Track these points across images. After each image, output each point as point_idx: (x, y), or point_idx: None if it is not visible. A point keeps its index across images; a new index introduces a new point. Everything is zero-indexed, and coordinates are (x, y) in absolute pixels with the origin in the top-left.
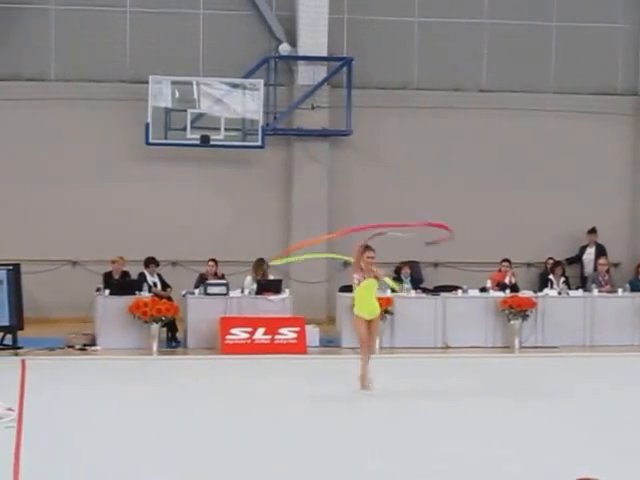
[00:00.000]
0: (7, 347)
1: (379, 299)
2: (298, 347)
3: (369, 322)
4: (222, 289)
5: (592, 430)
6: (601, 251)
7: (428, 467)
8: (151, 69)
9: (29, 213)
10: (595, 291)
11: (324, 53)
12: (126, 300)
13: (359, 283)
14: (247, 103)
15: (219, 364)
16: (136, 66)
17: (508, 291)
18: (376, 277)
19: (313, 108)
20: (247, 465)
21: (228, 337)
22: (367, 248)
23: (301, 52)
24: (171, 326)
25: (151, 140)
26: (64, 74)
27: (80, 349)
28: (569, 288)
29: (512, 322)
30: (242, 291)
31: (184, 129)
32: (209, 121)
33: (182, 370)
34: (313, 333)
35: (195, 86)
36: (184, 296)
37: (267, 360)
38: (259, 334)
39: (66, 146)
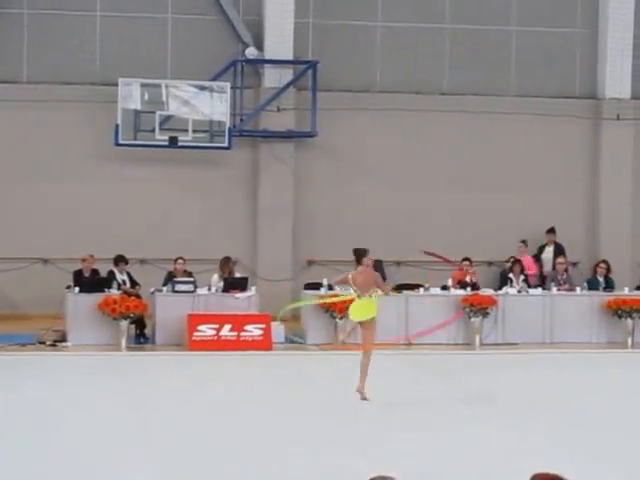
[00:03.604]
0: None
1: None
2: (264, 343)
3: (362, 326)
4: (189, 287)
5: (551, 426)
6: (560, 250)
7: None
8: (121, 72)
9: (0, 212)
10: (554, 289)
11: (290, 57)
12: (96, 297)
13: (358, 295)
14: (214, 105)
15: (186, 360)
16: (106, 69)
17: (469, 289)
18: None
19: (279, 110)
20: (220, 460)
21: (195, 334)
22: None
23: (267, 56)
24: (140, 323)
25: (121, 141)
26: (36, 76)
27: (51, 345)
28: (528, 286)
29: (473, 320)
30: (209, 289)
31: (153, 130)
32: (177, 123)
33: (150, 366)
34: (278, 330)
35: (164, 88)
36: (152, 293)
37: (233, 356)
38: (225, 331)
39: (37, 147)
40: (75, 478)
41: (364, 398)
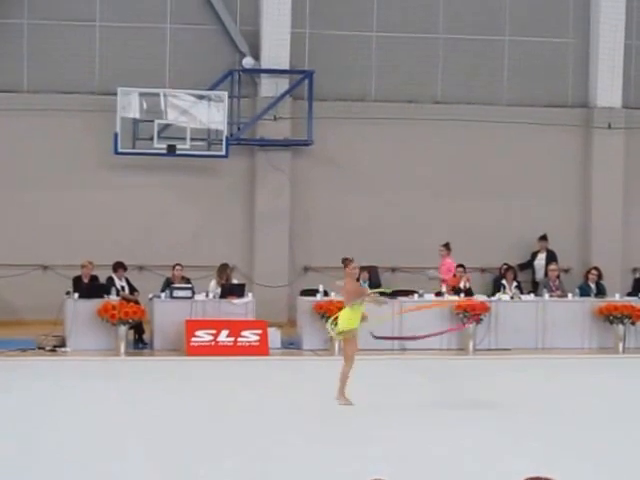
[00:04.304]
0: None
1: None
2: (260, 349)
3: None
4: (187, 293)
5: (543, 429)
6: (552, 257)
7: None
8: (120, 81)
9: (0, 219)
10: (546, 296)
11: (286, 66)
12: (95, 303)
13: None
14: (212, 114)
15: (184, 365)
16: (105, 78)
17: (462, 295)
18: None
19: (275, 119)
20: (218, 464)
21: (193, 339)
22: (350, 261)
23: (264, 65)
24: (138, 328)
25: (120, 149)
26: (36, 86)
27: (50, 350)
28: (521, 293)
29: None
30: (207, 295)
31: (151, 139)
32: (175, 131)
33: (149, 371)
34: (275, 335)
35: (162, 97)
36: (151, 299)
37: (230, 362)
38: (223, 336)
39: (38, 155)
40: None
41: (349, 403)
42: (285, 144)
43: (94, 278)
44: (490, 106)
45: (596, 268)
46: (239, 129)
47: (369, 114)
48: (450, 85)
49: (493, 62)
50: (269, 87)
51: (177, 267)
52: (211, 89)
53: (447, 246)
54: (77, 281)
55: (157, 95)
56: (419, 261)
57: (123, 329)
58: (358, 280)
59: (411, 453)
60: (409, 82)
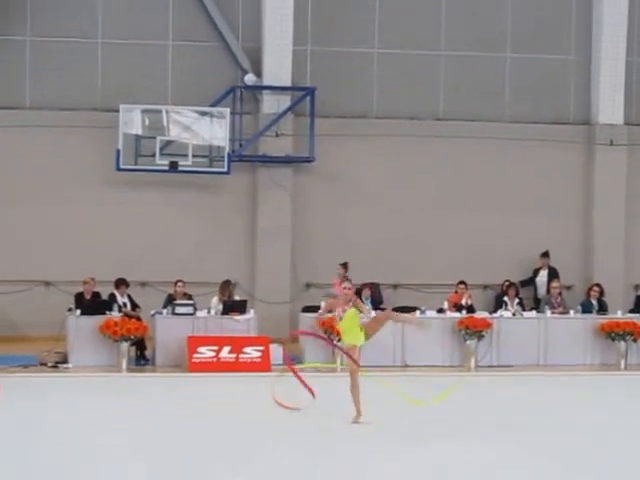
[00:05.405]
0: None
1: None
2: (262, 365)
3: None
4: (189, 309)
5: (541, 443)
6: (554, 274)
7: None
8: (122, 98)
9: (3, 236)
10: (548, 312)
11: (288, 83)
12: (97, 320)
13: (341, 319)
14: (214, 131)
15: (186, 381)
16: (107, 95)
17: (464, 312)
18: (356, 306)
19: (277, 136)
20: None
21: (195, 355)
22: (344, 279)
23: (266, 82)
24: (140, 345)
25: (122, 166)
26: (38, 102)
27: (52, 366)
28: (523, 309)
29: (468, 342)
30: (209, 311)
31: (153, 155)
32: (177, 148)
33: (150, 387)
34: (277, 352)
35: (164, 114)
36: (153, 316)
37: (232, 378)
38: (225, 353)
39: (40, 171)
40: None
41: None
42: (287, 160)
43: (96, 294)
44: (492, 123)
45: (598, 285)
46: (241, 145)
47: (371, 131)
48: (452, 102)
49: (495, 79)
50: (271, 104)
51: (179, 283)
52: (213, 106)
53: (345, 266)
54: (79, 297)
55: (159, 112)
56: (421, 278)
57: (125, 345)
58: (359, 294)
59: (411, 466)
60: (411, 99)
